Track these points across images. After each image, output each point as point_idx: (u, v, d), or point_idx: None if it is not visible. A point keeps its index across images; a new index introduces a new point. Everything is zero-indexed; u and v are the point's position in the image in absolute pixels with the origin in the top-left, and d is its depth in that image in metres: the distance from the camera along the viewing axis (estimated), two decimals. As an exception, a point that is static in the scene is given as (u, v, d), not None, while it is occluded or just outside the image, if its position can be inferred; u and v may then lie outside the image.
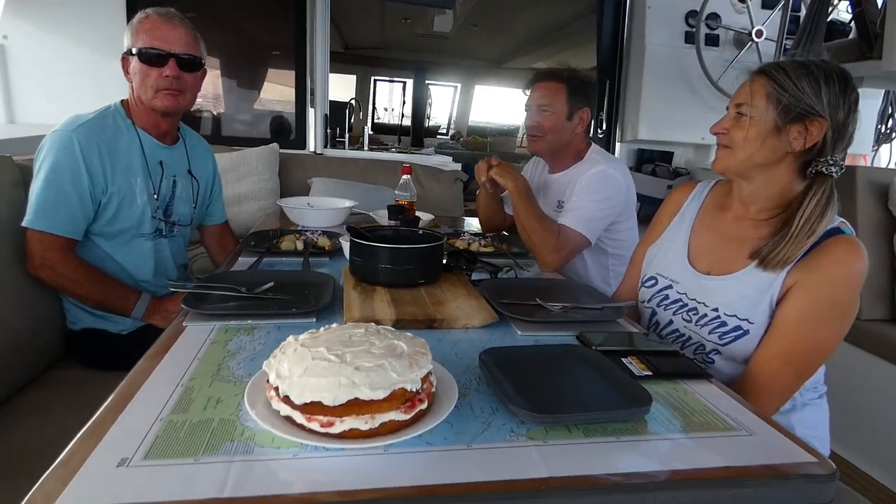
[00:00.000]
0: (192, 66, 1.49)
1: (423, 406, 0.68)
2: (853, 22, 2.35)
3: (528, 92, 1.84)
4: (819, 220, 1.03)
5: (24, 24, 2.92)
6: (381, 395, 0.64)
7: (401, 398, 0.66)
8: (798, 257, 1.05)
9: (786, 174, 1.10)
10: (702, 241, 1.24)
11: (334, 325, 0.78)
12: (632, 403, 0.75)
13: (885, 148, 3.37)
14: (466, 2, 4.81)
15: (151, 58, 1.44)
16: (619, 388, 0.79)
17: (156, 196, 1.53)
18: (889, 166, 3.33)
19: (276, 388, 0.67)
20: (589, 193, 1.65)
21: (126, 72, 1.48)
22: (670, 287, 1.24)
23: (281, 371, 0.67)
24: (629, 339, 1.04)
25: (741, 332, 1.10)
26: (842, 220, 1.08)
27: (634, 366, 0.91)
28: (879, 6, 2.16)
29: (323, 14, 3.14)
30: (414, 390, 0.67)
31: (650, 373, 0.89)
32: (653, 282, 1.27)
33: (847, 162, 2.61)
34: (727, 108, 1.15)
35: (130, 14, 2.91)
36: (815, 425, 1.20)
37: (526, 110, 1.84)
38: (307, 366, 0.66)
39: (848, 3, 2.33)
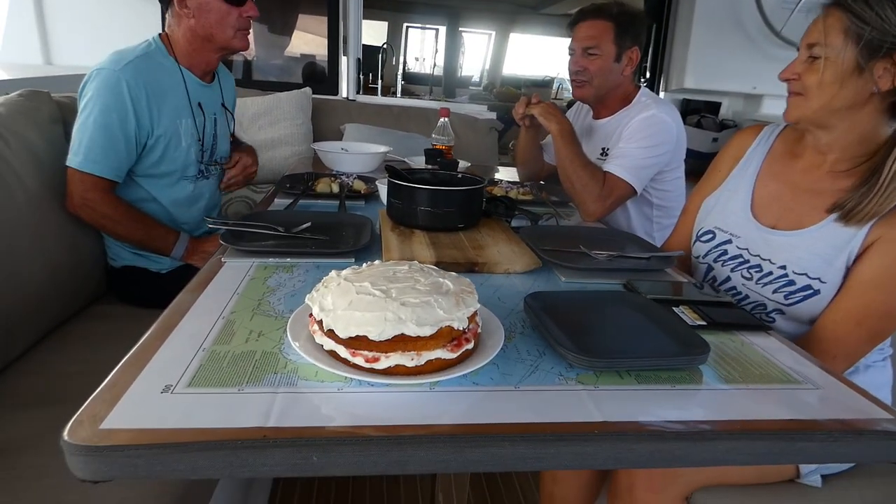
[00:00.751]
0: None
1: (470, 346, 0.66)
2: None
3: (571, 32, 1.72)
4: None
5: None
6: (427, 331, 0.61)
7: (447, 336, 0.63)
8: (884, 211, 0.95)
9: (871, 119, 0.97)
10: (768, 192, 1.13)
11: (377, 262, 0.75)
12: (688, 351, 0.71)
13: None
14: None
15: None
16: (672, 336, 0.76)
17: (200, 140, 1.51)
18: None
19: (320, 322, 0.65)
20: (638, 140, 1.55)
21: (182, 4, 1.40)
22: (729, 242, 1.14)
23: (325, 304, 0.65)
24: (680, 288, 0.99)
25: (811, 291, 1.01)
26: None
27: (687, 315, 0.86)
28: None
29: None
30: (461, 329, 0.64)
31: (704, 322, 0.84)
32: (710, 236, 1.18)
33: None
34: (797, 50, 1.03)
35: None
36: (877, 388, 1.11)
37: (570, 53, 1.71)
38: (352, 299, 0.63)
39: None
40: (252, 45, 3.49)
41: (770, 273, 1.07)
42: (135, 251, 1.49)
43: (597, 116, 1.79)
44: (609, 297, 0.90)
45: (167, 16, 1.46)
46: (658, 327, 0.78)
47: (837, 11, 0.95)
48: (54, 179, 1.38)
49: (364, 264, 0.74)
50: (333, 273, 0.71)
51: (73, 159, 1.35)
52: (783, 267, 1.05)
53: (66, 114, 1.55)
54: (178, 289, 0.92)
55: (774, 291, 1.06)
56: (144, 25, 3.00)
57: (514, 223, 1.32)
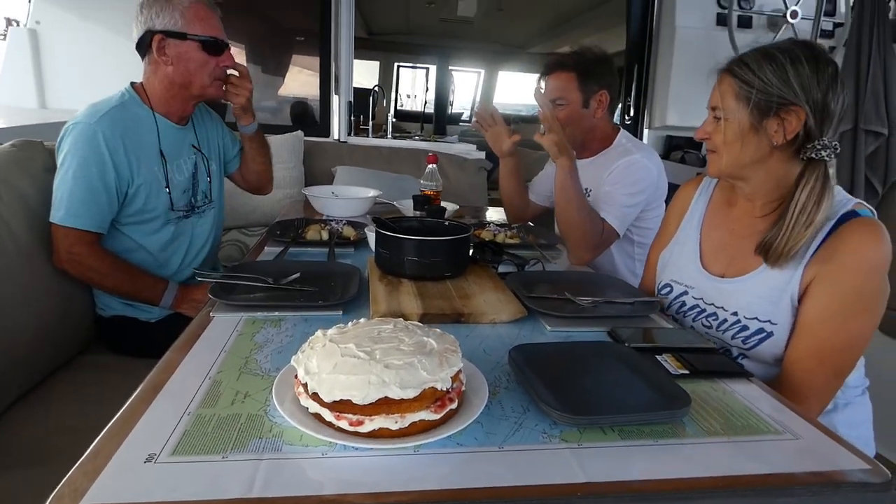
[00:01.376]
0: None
1: (454, 406, 0.67)
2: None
3: (542, 85, 1.76)
4: (816, 207, 0.96)
5: (56, 10, 2.96)
6: (411, 394, 0.62)
7: (431, 397, 0.64)
8: (811, 249, 0.99)
9: (781, 165, 1.03)
10: (713, 241, 1.17)
11: (362, 321, 0.76)
12: (670, 404, 0.72)
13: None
14: (491, -16, 4.73)
15: (212, 47, 1.45)
16: (655, 388, 0.77)
17: (167, 185, 1.51)
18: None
19: (305, 385, 0.65)
20: (621, 186, 1.59)
21: (160, 52, 1.42)
22: (686, 293, 1.18)
23: (310, 367, 0.65)
24: (664, 335, 1.01)
25: (765, 334, 1.04)
26: (858, 201, 1.02)
27: (670, 364, 0.87)
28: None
29: None
30: (444, 389, 0.65)
31: (687, 371, 0.85)
32: (668, 289, 1.22)
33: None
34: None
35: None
36: (858, 424, 1.15)
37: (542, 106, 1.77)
38: (336, 362, 0.64)
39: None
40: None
41: (725, 320, 1.10)
42: (124, 300, 1.49)
43: (579, 156, 1.83)
44: (593, 347, 0.91)
45: (144, 63, 1.48)
46: (641, 379, 0.79)
47: (728, 77, 1.03)
48: (45, 230, 1.39)
49: (350, 323, 0.76)
50: (319, 333, 0.72)
51: (56, 215, 1.36)
52: (735, 313, 1.08)
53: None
54: (168, 338, 0.93)
55: (733, 337, 1.09)
56: (138, 68, 3.05)
57: (502, 268, 1.34)
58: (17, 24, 3.05)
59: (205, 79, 1.47)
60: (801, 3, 3.08)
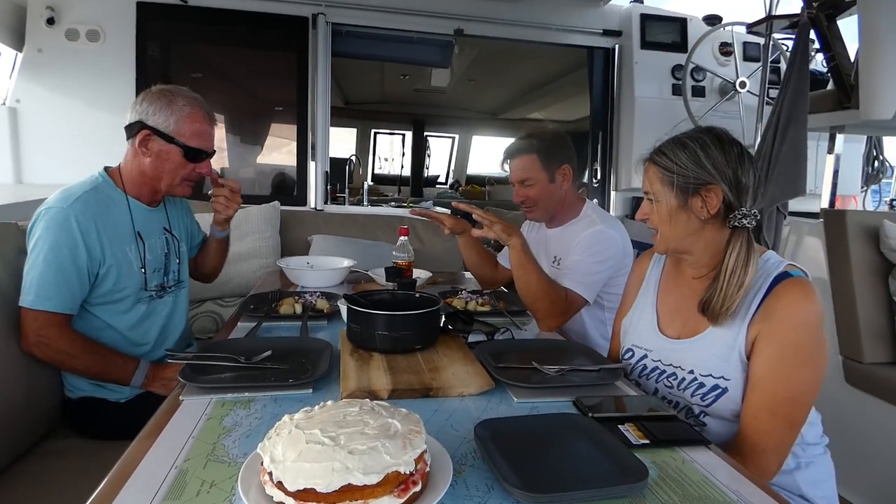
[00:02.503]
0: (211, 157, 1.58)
1: (417, 488, 0.68)
2: (829, 73, 2.43)
3: (506, 168, 1.87)
4: (744, 269, 1.05)
5: (36, 88, 3.04)
6: (374, 479, 0.64)
7: (394, 481, 0.65)
8: (752, 308, 1.07)
9: (714, 235, 1.13)
10: (668, 306, 1.26)
11: (329, 403, 0.78)
12: (629, 478, 0.74)
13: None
14: (463, 58, 4.97)
15: (195, 156, 1.50)
16: (616, 461, 0.79)
17: (143, 265, 1.53)
18: (879, 208, 3.37)
19: (270, 473, 0.66)
20: (588, 255, 1.66)
21: (143, 145, 1.47)
22: (646, 356, 1.24)
23: (275, 455, 0.67)
24: (626, 403, 1.04)
25: (720, 390, 1.10)
26: (789, 262, 1.11)
27: (632, 433, 0.90)
28: (852, 60, 2.25)
29: (324, 72, 3.26)
30: (407, 472, 0.67)
31: (647, 441, 0.88)
32: (630, 353, 1.28)
33: (837, 203, 2.64)
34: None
35: (140, 78, 3.05)
36: (821, 483, 1.18)
37: (512, 185, 1.89)
38: (301, 450, 0.66)
39: (822, 55, 2.41)
40: (225, 158, 3.65)
41: (683, 379, 1.16)
42: (94, 382, 1.47)
43: (549, 226, 1.91)
44: (556, 421, 0.93)
45: (127, 146, 1.52)
46: (602, 453, 0.82)
47: (652, 166, 1.15)
48: (14, 314, 1.38)
49: (317, 406, 0.77)
50: (286, 418, 0.74)
51: (25, 298, 1.35)
52: (691, 371, 1.14)
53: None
54: (137, 418, 0.93)
55: (692, 395, 1.14)
56: (116, 143, 3.11)
57: (472, 338, 1.37)
58: (-5, 101, 3.11)
59: (175, 180, 1.51)
60: (750, 76, 3.31)
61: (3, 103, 3.05)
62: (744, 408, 1.08)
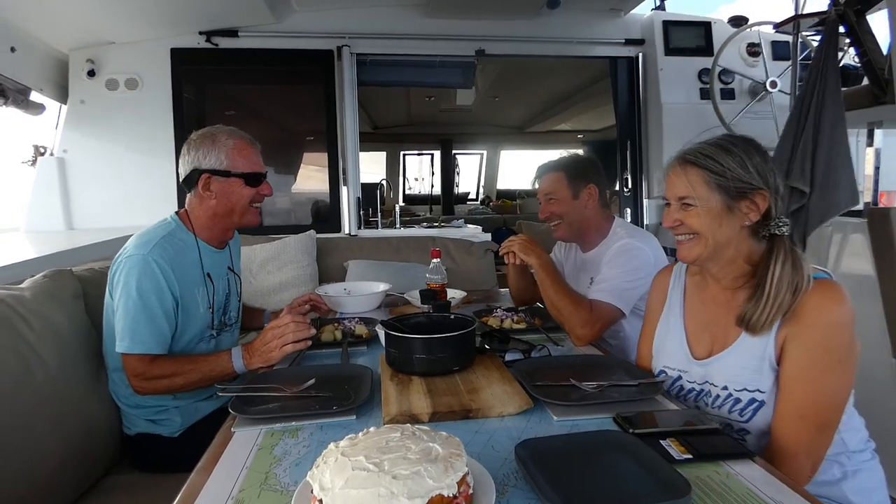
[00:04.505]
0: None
1: (461, 510, 0.70)
2: (863, 68, 2.37)
3: (537, 186, 1.94)
4: (797, 274, 1.04)
5: (81, 138, 3.22)
6: (419, 503, 0.66)
7: (439, 505, 0.68)
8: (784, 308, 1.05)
9: (745, 243, 1.13)
10: (696, 324, 1.24)
11: (372, 429, 0.81)
12: (670, 495, 0.74)
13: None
14: (486, 76, 5.04)
15: (254, 180, 1.58)
16: (658, 478, 0.79)
17: (211, 306, 1.60)
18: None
19: (320, 501, 0.70)
20: (616, 266, 1.67)
21: (205, 189, 1.54)
22: (680, 378, 1.23)
23: (324, 483, 0.70)
24: (667, 417, 1.04)
25: (757, 403, 1.09)
26: (813, 266, 1.09)
27: (674, 448, 0.90)
28: (885, 54, 2.19)
29: (351, 101, 3.36)
30: (451, 496, 0.69)
31: (690, 455, 0.88)
32: (663, 375, 1.26)
33: (881, 200, 2.54)
34: (664, 200, 1.21)
35: (177, 120, 3.20)
36: (871, 491, 1.14)
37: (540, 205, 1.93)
38: (348, 476, 0.69)
39: (854, 51, 2.35)
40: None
41: (718, 396, 1.14)
42: (148, 418, 1.54)
43: (584, 250, 1.94)
44: (597, 438, 0.94)
45: (189, 195, 1.60)
46: (644, 470, 0.82)
47: (695, 168, 1.12)
48: (74, 355, 1.47)
49: (361, 433, 0.80)
50: (332, 446, 0.77)
51: (121, 345, 1.43)
52: (725, 387, 1.13)
53: (86, 287, 1.67)
54: (190, 451, 0.97)
55: (730, 411, 1.13)
56: (157, 185, 3.30)
57: (508, 356, 1.38)
58: (44, 152, 3.31)
59: (245, 207, 1.59)
60: (780, 75, 3.26)
61: (52, 154, 3.25)
62: (775, 412, 1.07)
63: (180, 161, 1.58)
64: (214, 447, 0.97)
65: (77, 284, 1.64)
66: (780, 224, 1.09)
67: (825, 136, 2.15)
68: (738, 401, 1.11)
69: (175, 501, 0.80)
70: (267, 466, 0.89)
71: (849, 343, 1.04)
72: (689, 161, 1.13)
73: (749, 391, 1.09)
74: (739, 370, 1.11)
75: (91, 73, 3.16)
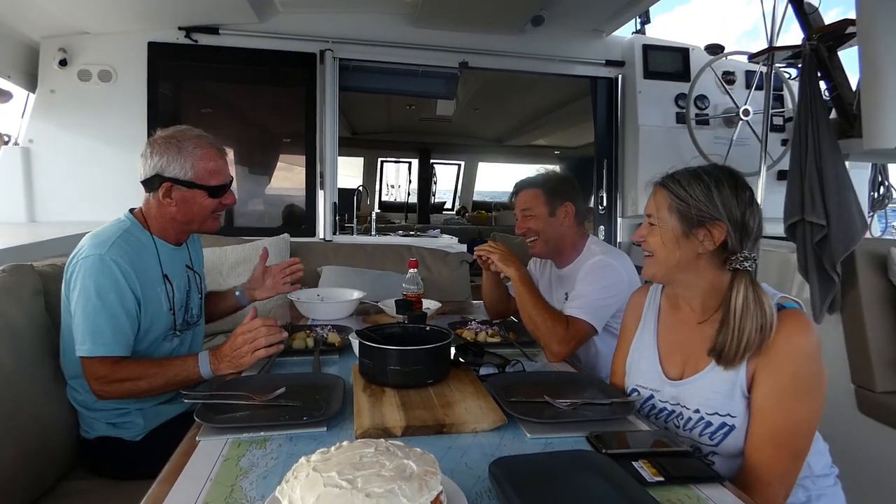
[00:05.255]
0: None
1: (434, 531, 0.69)
2: (832, 102, 2.46)
3: (513, 201, 1.95)
4: (760, 311, 1.04)
5: (49, 128, 3.11)
6: (391, 523, 0.64)
7: (412, 525, 0.66)
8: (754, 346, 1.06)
9: (709, 271, 1.15)
10: (668, 345, 1.26)
11: (345, 444, 0.79)
12: (644, 518, 0.74)
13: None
14: (467, 88, 5.07)
15: (218, 192, 1.54)
16: (630, 501, 0.79)
17: (171, 306, 1.55)
18: (886, 233, 3.37)
19: (289, 518, 0.67)
20: (590, 283, 1.69)
21: (166, 195, 1.49)
22: (652, 397, 1.24)
23: (293, 499, 0.68)
24: (639, 438, 1.04)
25: (728, 427, 1.10)
26: (783, 295, 1.12)
27: (646, 470, 0.90)
28: (853, 89, 2.28)
29: (332, 105, 3.34)
30: (424, 515, 0.67)
31: (662, 478, 0.88)
32: (636, 393, 1.27)
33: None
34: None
35: (152, 116, 3.12)
36: None
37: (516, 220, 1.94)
38: (319, 493, 0.67)
39: (825, 85, 2.45)
40: (235, 190, 3.69)
41: (690, 419, 1.15)
42: (109, 421, 1.48)
43: (559, 266, 1.95)
44: (570, 458, 0.93)
45: (148, 196, 1.53)
46: (617, 491, 0.82)
47: (663, 190, 1.17)
48: (32, 354, 1.41)
49: (333, 447, 0.78)
50: (303, 460, 0.75)
51: (82, 348, 1.36)
52: (697, 410, 1.14)
53: (47, 283, 1.60)
54: (151, 457, 0.93)
55: (700, 434, 1.14)
56: (127, 182, 3.17)
57: (483, 370, 1.37)
58: (8, 140, 3.19)
59: (206, 216, 1.56)
60: (751, 101, 3.36)
61: (17, 143, 3.13)
62: (747, 441, 1.08)
63: (141, 160, 1.50)
64: (178, 456, 0.94)
65: (37, 280, 1.58)
66: (742, 259, 1.10)
67: (828, 168, 2.18)
68: (709, 424, 1.12)
69: (134, 515, 0.76)
70: (233, 479, 0.86)
71: (817, 372, 1.06)
72: (661, 183, 1.19)
73: (720, 415, 1.10)
74: (711, 394, 1.12)
75: (63, 63, 3.07)
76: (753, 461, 1.06)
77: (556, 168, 1.98)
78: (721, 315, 1.10)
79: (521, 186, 1.93)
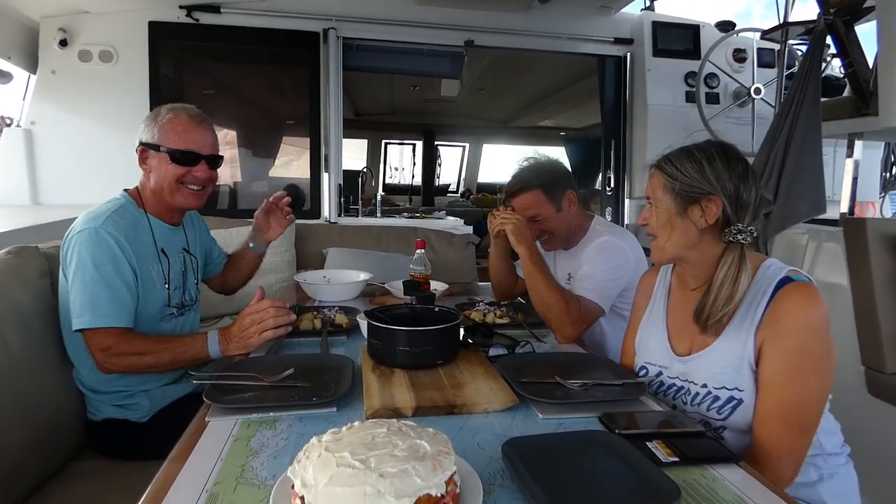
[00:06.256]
0: (216, 162, 1.57)
1: (449, 511, 0.68)
2: (846, 79, 2.41)
3: (508, 204, 1.83)
4: (734, 284, 1.06)
5: (51, 110, 3.08)
6: (406, 503, 0.63)
7: (426, 504, 0.65)
8: (758, 315, 1.07)
9: (712, 246, 1.14)
10: (677, 323, 1.26)
11: (356, 424, 0.78)
12: (660, 499, 0.73)
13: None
14: (472, 68, 5.00)
15: (183, 158, 1.49)
16: (646, 481, 0.78)
17: (167, 282, 1.54)
18: None
19: (302, 498, 0.66)
20: (598, 263, 1.66)
21: (143, 162, 1.51)
22: (661, 374, 1.24)
23: (306, 479, 0.67)
24: (652, 419, 1.03)
25: (736, 401, 1.10)
26: (792, 268, 1.11)
27: (660, 451, 0.89)
28: (871, 66, 2.22)
29: (336, 86, 3.29)
30: (438, 495, 0.66)
31: (676, 458, 0.87)
32: (644, 371, 1.28)
33: (856, 210, 2.61)
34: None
35: (154, 97, 3.09)
36: (844, 495, 1.16)
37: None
38: (332, 474, 0.66)
39: (840, 61, 2.39)
40: (238, 172, 3.68)
41: (697, 394, 1.16)
42: (116, 403, 1.48)
43: (565, 248, 1.92)
44: (584, 438, 0.92)
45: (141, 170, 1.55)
46: (632, 472, 0.81)
47: (657, 172, 1.18)
48: (39, 337, 1.40)
49: (344, 427, 0.77)
50: (314, 440, 0.74)
51: (82, 321, 1.35)
52: (704, 385, 1.14)
53: (53, 265, 1.60)
54: (159, 438, 0.93)
55: (708, 409, 1.14)
56: (131, 162, 3.17)
57: (492, 352, 1.36)
58: (10, 123, 3.16)
59: (173, 186, 1.50)
60: (766, 84, 3.29)
61: (19, 125, 3.11)
62: (755, 414, 1.08)
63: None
64: (188, 436, 0.93)
65: (43, 262, 1.57)
66: (737, 232, 1.10)
67: (796, 145, 2.19)
68: (716, 398, 1.12)
69: (147, 491, 0.76)
70: (243, 459, 0.86)
71: (825, 345, 1.05)
72: (655, 165, 1.19)
73: (728, 389, 1.10)
74: (720, 368, 1.12)
75: (63, 43, 3.02)
76: (761, 436, 1.06)
77: (537, 156, 1.85)
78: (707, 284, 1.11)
79: (516, 189, 1.80)
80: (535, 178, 1.79)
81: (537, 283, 1.59)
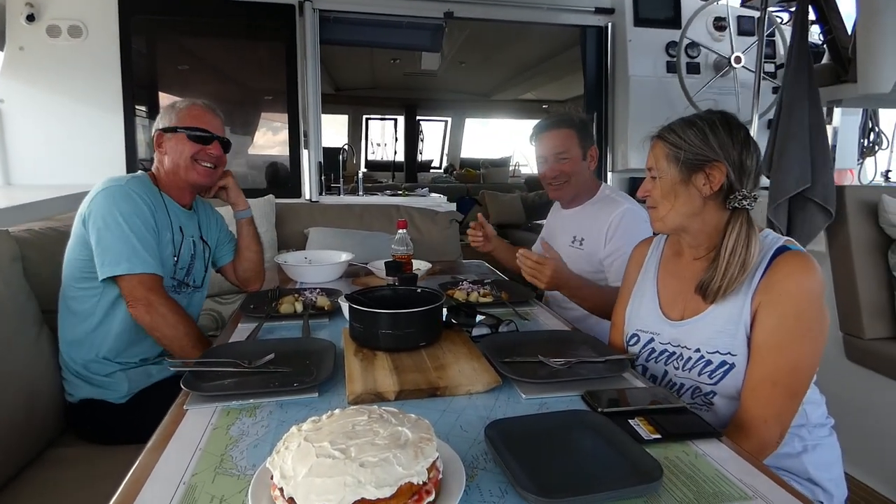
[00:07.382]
0: (227, 146, 1.70)
1: (431, 498, 0.67)
2: (825, 46, 2.40)
3: (535, 142, 1.86)
4: (745, 249, 1.08)
5: (20, 87, 2.97)
6: (387, 492, 0.63)
7: (408, 493, 0.64)
8: (754, 281, 1.09)
9: (714, 215, 1.16)
10: (669, 290, 1.27)
11: (337, 412, 0.77)
12: (643, 478, 0.73)
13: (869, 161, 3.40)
14: (453, 40, 4.91)
15: (199, 137, 1.60)
16: (629, 460, 0.78)
17: (176, 255, 1.60)
18: (874, 181, 3.36)
19: (281, 489, 0.65)
20: (627, 238, 1.66)
21: (159, 146, 1.61)
22: (652, 340, 1.25)
23: (285, 470, 0.66)
24: (635, 396, 1.03)
25: (728, 366, 1.11)
26: (787, 238, 1.13)
27: (642, 428, 0.90)
28: (849, 33, 2.21)
29: (314, 60, 3.21)
30: (420, 482, 0.66)
31: (659, 436, 0.88)
32: (635, 339, 1.29)
33: (835, 179, 2.63)
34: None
35: (126, 73, 2.99)
36: (829, 466, 1.19)
37: (540, 161, 1.87)
38: (311, 464, 0.64)
39: (819, 28, 2.37)
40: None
41: (690, 358, 1.17)
42: (92, 382, 1.48)
43: (564, 207, 1.91)
44: (566, 418, 0.92)
45: (155, 156, 1.64)
46: (614, 451, 0.81)
47: (659, 142, 1.19)
48: (12, 322, 1.37)
49: (325, 415, 0.76)
50: (294, 429, 0.73)
51: (119, 267, 1.41)
52: (698, 350, 1.16)
53: (25, 249, 1.56)
54: (137, 420, 0.91)
55: (699, 374, 1.15)
56: (103, 140, 3.12)
57: (475, 332, 1.36)
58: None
59: (188, 162, 1.59)
60: (745, 50, 3.27)
61: (-12, 103, 2.99)
62: (746, 379, 1.09)
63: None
64: (165, 425, 0.91)
65: (14, 246, 1.53)
66: (741, 198, 1.11)
67: (784, 116, 2.19)
68: (709, 363, 1.13)
69: (123, 483, 0.74)
70: (222, 448, 0.84)
71: (819, 312, 1.07)
72: (657, 135, 1.19)
73: (721, 354, 1.12)
74: (714, 333, 1.13)
75: (30, 18, 2.90)
76: (751, 399, 1.08)
77: (570, 111, 1.89)
78: (714, 252, 1.12)
79: (552, 125, 1.83)
80: (571, 120, 1.83)
81: (588, 302, 1.65)
